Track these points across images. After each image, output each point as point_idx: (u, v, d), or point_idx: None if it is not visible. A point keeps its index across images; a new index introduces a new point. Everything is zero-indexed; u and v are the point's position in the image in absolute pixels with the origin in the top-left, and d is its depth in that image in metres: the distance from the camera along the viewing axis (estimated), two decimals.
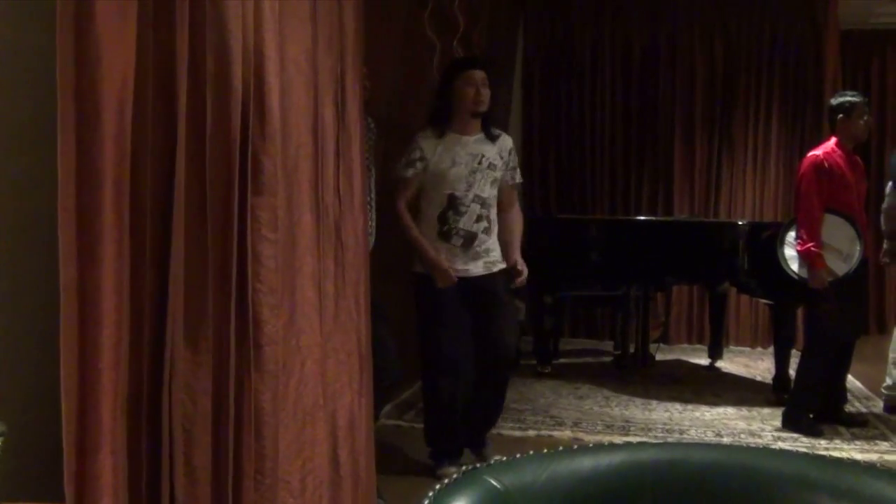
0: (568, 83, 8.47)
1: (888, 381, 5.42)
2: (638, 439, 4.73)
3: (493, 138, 4.05)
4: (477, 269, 4.01)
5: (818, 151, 4.90)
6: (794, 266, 4.91)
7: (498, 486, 1.21)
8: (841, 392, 5.21)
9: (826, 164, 4.80)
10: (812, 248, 4.75)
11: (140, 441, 1.76)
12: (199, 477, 1.94)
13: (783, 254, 4.96)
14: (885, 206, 5.67)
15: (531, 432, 4.88)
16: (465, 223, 3.96)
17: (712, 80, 8.20)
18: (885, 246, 5.67)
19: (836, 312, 4.80)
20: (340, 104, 2.66)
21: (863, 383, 6.29)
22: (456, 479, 1.21)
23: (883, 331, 8.00)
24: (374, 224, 3.69)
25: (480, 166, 3.98)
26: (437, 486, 1.18)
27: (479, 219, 3.99)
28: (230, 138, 1.96)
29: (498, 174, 4.06)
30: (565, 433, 4.86)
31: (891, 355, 5.39)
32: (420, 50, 5.40)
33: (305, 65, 2.40)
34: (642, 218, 7.77)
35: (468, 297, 3.99)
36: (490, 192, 4.03)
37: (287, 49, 2.27)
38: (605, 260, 6.36)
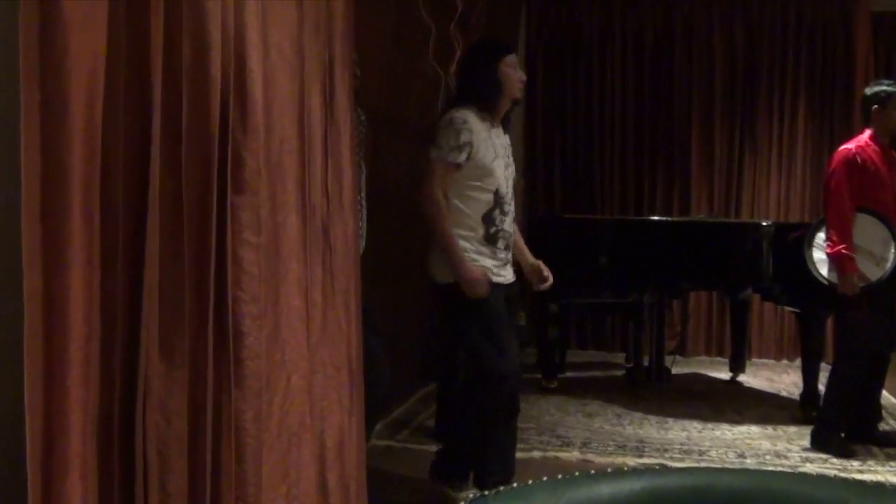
0: (574, 71, 8.49)
1: None
2: (653, 461, 4.74)
3: (507, 129, 4.02)
4: (510, 275, 3.94)
5: (850, 145, 4.91)
6: (824, 270, 4.92)
7: None
8: (875, 409, 5.22)
9: (859, 159, 4.81)
10: (842, 251, 4.77)
11: (112, 465, 1.75)
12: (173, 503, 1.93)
13: (811, 256, 4.98)
14: None
15: (536, 453, 4.88)
16: (508, 224, 3.87)
17: (733, 68, 8.22)
18: None
19: (868, 322, 4.81)
20: (329, 94, 2.66)
21: None
22: None
23: None
24: (364, 226, 3.68)
25: (509, 160, 3.94)
26: None
27: (513, 220, 3.95)
28: (209, 132, 1.96)
29: (513, 171, 4.01)
30: (573, 454, 4.86)
31: None
32: (414, 34, 5.40)
33: (290, 51, 2.39)
34: (656, 218, 7.78)
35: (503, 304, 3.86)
36: (512, 191, 3.97)
37: (270, 34, 2.27)
38: (616, 264, 6.37)
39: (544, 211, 8.49)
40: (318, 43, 2.58)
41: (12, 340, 1.59)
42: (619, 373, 7.33)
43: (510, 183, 3.89)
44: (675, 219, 7.66)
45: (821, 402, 5.29)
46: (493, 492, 1.26)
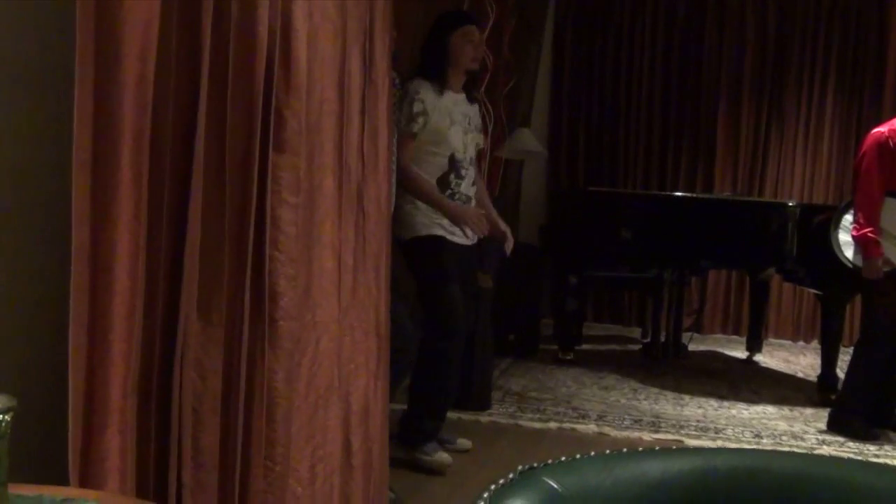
0: (603, 43, 8.42)
1: None
2: (670, 437, 4.74)
3: (472, 100, 4.14)
4: (467, 238, 4.09)
5: (883, 128, 4.87)
6: (849, 253, 4.89)
7: (558, 489, 1.20)
8: (894, 395, 5.19)
9: (891, 143, 4.77)
10: (868, 234, 4.74)
11: (149, 420, 1.76)
12: (205, 461, 1.94)
13: (837, 239, 4.95)
14: None
15: (552, 424, 4.89)
16: (465, 187, 4.03)
17: (763, 45, 8.14)
18: None
19: (893, 307, 4.79)
20: (368, 57, 2.64)
21: None
22: (512, 480, 1.20)
23: None
24: (394, 190, 3.67)
25: (470, 127, 4.09)
26: (493, 486, 1.17)
27: (473, 183, 4.10)
28: (253, 90, 1.94)
29: (479, 138, 4.20)
30: (590, 426, 4.87)
31: None
32: None
33: (333, 12, 2.37)
34: (679, 194, 7.74)
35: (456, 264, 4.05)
36: (474, 156, 4.15)
37: None
38: (637, 239, 6.34)
39: (567, 184, 8.46)
40: (359, 5, 2.56)
41: (59, 291, 1.58)
42: (636, 347, 7.34)
43: (470, 149, 4.08)
44: (699, 195, 7.62)
45: (840, 386, 5.27)
46: (542, 464, 1.26)
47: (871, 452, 4.68)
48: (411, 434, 4.07)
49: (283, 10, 2.05)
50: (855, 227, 4.83)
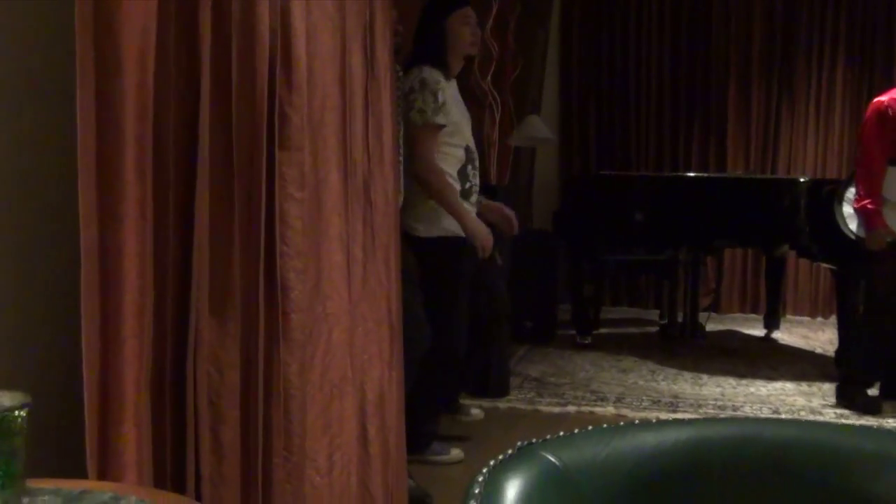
0: (611, 26, 8.42)
1: None
2: (688, 416, 4.76)
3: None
4: None
5: (884, 97, 4.85)
6: (853, 225, 4.89)
7: (556, 463, 1.24)
8: None
9: (890, 112, 4.74)
10: (867, 206, 4.72)
11: (164, 414, 1.80)
12: (226, 454, 1.98)
13: (841, 212, 4.94)
14: None
15: (571, 408, 4.92)
16: (477, 179, 3.96)
17: (771, 21, 8.12)
18: None
19: (891, 276, 4.76)
20: (369, 51, 2.67)
21: None
22: (510, 455, 1.24)
23: None
24: (402, 182, 3.70)
25: (469, 114, 4.01)
26: (492, 462, 1.21)
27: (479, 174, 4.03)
28: (256, 89, 1.98)
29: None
30: (608, 409, 4.90)
31: None
32: None
33: (332, 8, 2.41)
34: (692, 174, 7.73)
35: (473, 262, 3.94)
36: None
37: None
38: (651, 221, 6.36)
39: (580, 168, 8.48)
40: (359, 0, 2.60)
41: (70, 291, 1.63)
42: (654, 329, 7.36)
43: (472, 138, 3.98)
44: (711, 175, 7.62)
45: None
46: (540, 439, 1.30)
47: (890, 425, 4.69)
48: (413, 439, 4.00)
49: (282, 9, 2.09)
50: (856, 199, 4.82)
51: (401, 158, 3.60)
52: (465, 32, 3.86)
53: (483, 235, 3.78)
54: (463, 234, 3.79)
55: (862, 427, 1.43)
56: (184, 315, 1.84)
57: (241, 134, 1.93)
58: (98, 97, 1.53)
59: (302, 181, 2.20)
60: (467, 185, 3.88)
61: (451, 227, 3.80)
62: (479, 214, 3.99)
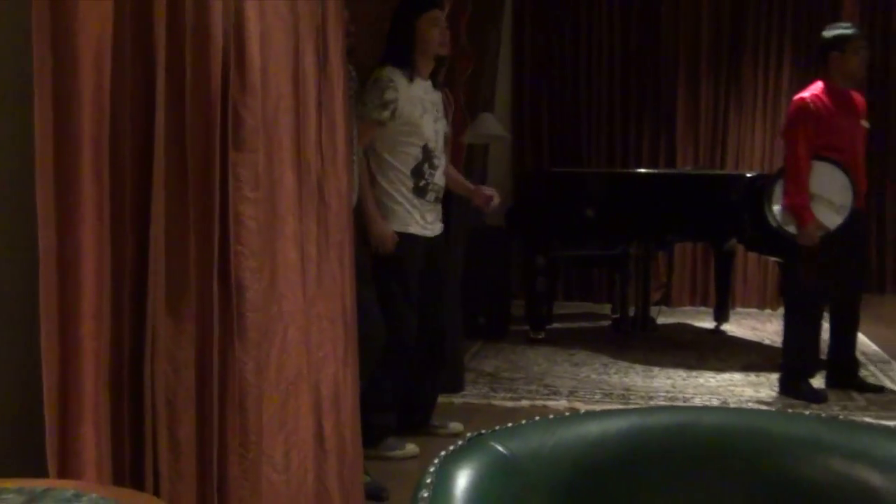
0: (562, 25, 8.50)
1: None
2: (637, 407, 4.84)
3: (436, 86, 4.13)
4: (438, 228, 4.14)
5: (805, 94, 4.90)
6: (781, 219, 4.91)
7: (504, 452, 1.29)
8: (850, 359, 5.28)
9: (812, 107, 4.80)
10: (798, 202, 4.77)
11: (123, 414, 1.83)
12: (183, 451, 2.02)
13: (771, 208, 4.95)
14: None
15: (525, 402, 4.99)
16: (438, 178, 4.04)
17: (719, 18, 8.24)
18: None
19: (815, 270, 4.84)
20: (322, 53, 2.71)
21: (880, 346, 6.43)
22: (461, 446, 1.29)
23: None
24: (357, 181, 3.74)
25: (439, 115, 4.09)
26: (443, 453, 1.26)
27: (444, 173, 4.12)
28: (210, 91, 2.01)
29: (446, 126, 4.20)
30: (561, 402, 4.97)
31: None
32: None
33: (285, 9, 2.44)
34: (643, 170, 7.86)
35: (422, 258, 4.07)
36: (444, 145, 4.15)
37: None
38: (603, 217, 6.44)
39: (532, 165, 8.55)
40: (311, 1, 2.63)
41: (28, 292, 1.65)
42: (606, 323, 7.45)
43: (440, 137, 4.07)
44: (661, 171, 7.75)
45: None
46: (490, 430, 1.35)
47: (835, 413, 4.81)
48: (366, 433, 4.01)
49: (236, 11, 2.12)
50: (786, 197, 4.85)
51: (354, 158, 3.65)
52: (433, 34, 3.96)
53: (379, 237, 3.89)
54: (411, 231, 3.95)
55: (794, 414, 1.50)
56: (141, 315, 1.87)
57: (196, 136, 1.96)
58: (55, 100, 1.56)
59: (256, 182, 2.23)
60: (422, 182, 3.96)
61: (398, 224, 3.94)
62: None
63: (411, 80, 3.94)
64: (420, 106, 3.95)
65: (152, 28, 1.82)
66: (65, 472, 1.64)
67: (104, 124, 1.65)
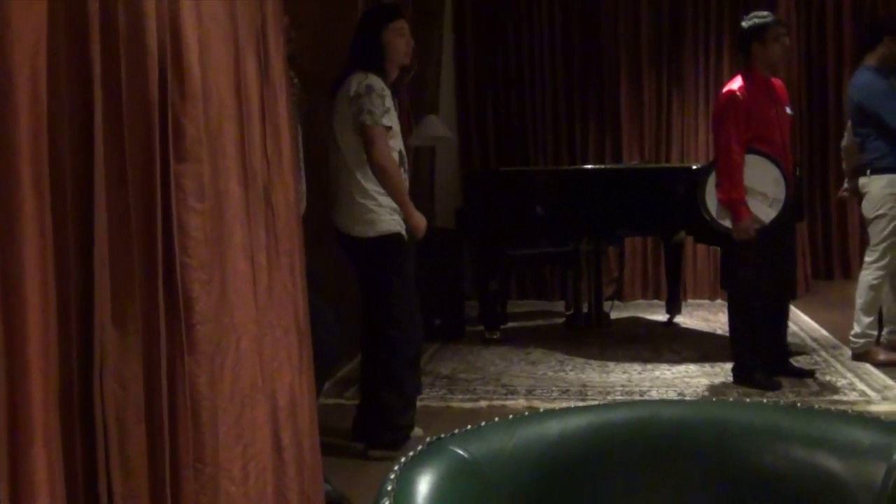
0: (504, 25, 8.53)
1: (856, 329, 5.57)
2: (597, 404, 4.86)
3: (395, 95, 4.19)
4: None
5: (733, 86, 4.92)
6: (715, 212, 4.92)
7: (465, 456, 1.28)
8: (782, 349, 5.36)
9: (740, 96, 4.83)
10: (733, 196, 4.78)
11: (73, 433, 1.79)
12: (134, 468, 1.97)
13: (704, 203, 4.95)
14: (843, 143, 5.84)
15: (483, 403, 4.99)
16: (407, 182, 4.10)
17: (658, 17, 8.33)
18: (845, 184, 5.86)
19: (757, 262, 4.89)
20: (263, 58, 2.68)
21: (829, 331, 6.52)
22: (420, 451, 1.28)
23: (848, 276, 8.25)
24: (304, 188, 3.71)
25: (401, 122, 4.18)
26: (403, 459, 1.25)
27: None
28: (148, 102, 1.98)
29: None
30: (519, 402, 4.98)
31: (857, 301, 5.54)
32: None
33: (224, 16, 2.40)
34: (589, 167, 7.91)
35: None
36: None
37: (203, 1, 2.28)
38: (552, 214, 6.47)
39: (479, 165, 8.57)
40: (249, 7, 2.60)
41: None
42: (560, 320, 7.48)
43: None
44: (608, 166, 7.80)
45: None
46: (449, 434, 1.34)
47: (790, 400, 4.86)
48: (396, 435, 4.12)
49: (171, 19, 2.08)
50: (720, 191, 4.86)
51: (301, 165, 3.62)
52: (400, 44, 4.06)
53: (422, 229, 4.07)
54: (401, 231, 4.01)
55: (752, 403, 1.50)
56: (88, 331, 1.83)
57: (135, 147, 1.93)
58: None
59: (202, 192, 2.20)
60: None
61: (389, 226, 3.99)
62: None
63: (386, 87, 4.00)
64: (395, 113, 4.04)
65: (87, 38, 1.78)
66: (17, 496, 1.59)
67: (42, 138, 1.61)
